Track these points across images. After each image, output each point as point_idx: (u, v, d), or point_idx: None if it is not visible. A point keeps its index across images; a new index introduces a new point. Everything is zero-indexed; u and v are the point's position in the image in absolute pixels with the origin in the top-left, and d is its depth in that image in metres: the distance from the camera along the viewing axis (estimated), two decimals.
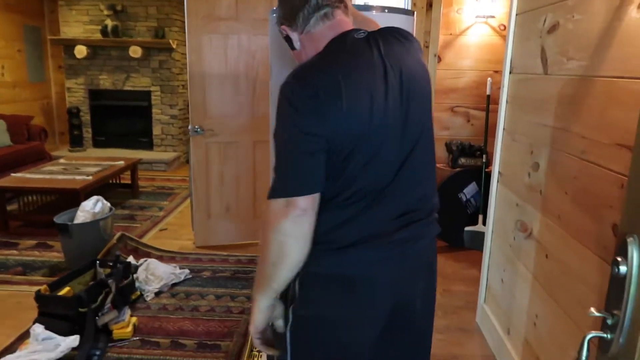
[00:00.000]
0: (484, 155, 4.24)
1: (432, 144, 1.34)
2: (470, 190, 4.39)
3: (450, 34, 4.33)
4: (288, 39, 1.34)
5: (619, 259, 0.96)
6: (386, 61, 1.22)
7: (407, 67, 1.25)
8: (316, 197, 1.19)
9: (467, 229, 4.22)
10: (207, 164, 4.13)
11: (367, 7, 1.91)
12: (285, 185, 1.17)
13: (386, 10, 1.92)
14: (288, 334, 1.27)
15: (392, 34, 1.30)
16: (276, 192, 1.18)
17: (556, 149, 1.97)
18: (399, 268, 1.26)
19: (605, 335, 1.02)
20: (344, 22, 1.30)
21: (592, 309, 1.05)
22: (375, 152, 1.21)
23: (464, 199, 4.37)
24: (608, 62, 1.59)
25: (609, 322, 1.01)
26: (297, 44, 1.32)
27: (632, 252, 0.94)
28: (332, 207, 1.21)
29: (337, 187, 1.21)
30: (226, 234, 4.29)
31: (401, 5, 3.36)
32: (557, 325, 1.92)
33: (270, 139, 1.68)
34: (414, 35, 1.90)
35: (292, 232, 1.16)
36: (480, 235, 3.73)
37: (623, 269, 0.95)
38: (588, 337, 1.02)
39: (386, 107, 1.21)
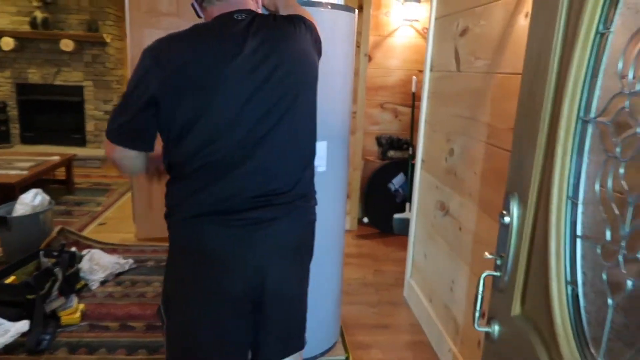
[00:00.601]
0: (410, 148, 4.58)
1: (303, 129, 1.35)
2: (398, 180, 4.72)
3: (379, 35, 4.63)
4: (194, 8, 1.42)
5: (504, 212, 1.23)
6: (250, 40, 1.27)
7: (280, 49, 1.31)
8: (140, 153, 1.32)
9: (395, 216, 4.55)
10: None
11: (313, 3, 2.08)
12: (116, 132, 1.28)
13: (329, 7, 2.11)
14: (162, 308, 1.36)
15: (280, 19, 1.38)
16: (109, 133, 1.29)
17: (467, 135, 2.27)
18: (248, 246, 1.28)
19: (496, 273, 1.29)
20: (240, 3, 1.36)
21: (486, 253, 1.31)
22: (217, 126, 1.25)
23: (393, 188, 4.70)
24: (504, 61, 1.89)
25: (498, 262, 1.27)
26: (200, 14, 1.41)
27: (513, 206, 1.21)
28: (182, 177, 1.29)
29: (181, 156, 1.27)
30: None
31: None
32: (470, 287, 2.22)
33: None
34: (354, 32, 2.11)
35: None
36: (408, 222, 4.06)
37: (507, 219, 1.22)
38: (483, 275, 1.28)
39: (237, 82, 1.25)
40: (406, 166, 4.59)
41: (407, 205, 4.53)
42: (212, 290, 1.29)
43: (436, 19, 2.84)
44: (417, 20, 4.59)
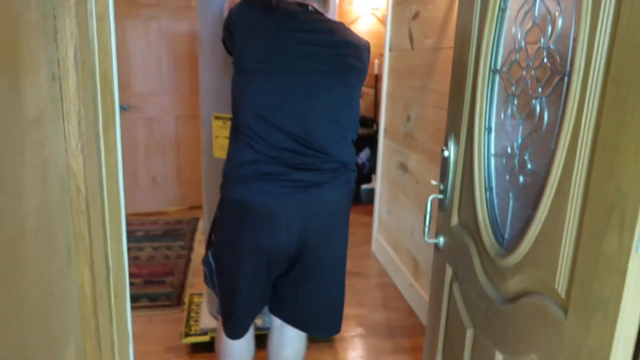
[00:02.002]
0: (374, 125, 4.95)
1: (348, 108, 1.39)
2: (364, 154, 5.10)
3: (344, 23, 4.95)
4: None
5: (444, 148, 1.60)
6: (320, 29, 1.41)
7: (318, 34, 1.41)
8: None
9: (363, 186, 4.93)
10: (134, 139, 4.42)
11: None
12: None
13: None
14: (210, 255, 1.45)
15: (353, 35, 1.52)
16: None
17: (421, 103, 2.64)
18: (294, 205, 1.34)
19: (440, 196, 1.65)
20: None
21: (432, 180, 1.68)
22: (273, 80, 1.30)
23: (360, 162, 5.07)
24: (447, 38, 2.25)
25: (441, 187, 1.64)
26: None
27: (450, 143, 1.58)
28: (239, 135, 1.34)
29: (241, 102, 1.33)
30: (153, 202, 4.62)
31: None
32: None
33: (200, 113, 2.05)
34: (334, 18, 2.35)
35: None
36: (374, 191, 4.45)
37: (446, 153, 1.59)
38: (430, 198, 1.64)
39: (297, 50, 1.32)
40: (371, 141, 4.97)
41: (373, 176, 4.92)
42: (260, 241, 1.33)
43: (393, 5, 3.19)
44: (377, 9, 4.94)
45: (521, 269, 1.18)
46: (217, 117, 1.78)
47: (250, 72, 1.31)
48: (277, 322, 1.53)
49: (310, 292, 1.47)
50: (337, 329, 1.54)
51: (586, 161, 0.95)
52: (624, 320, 0.87)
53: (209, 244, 1.42)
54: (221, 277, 1.41)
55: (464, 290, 1.48)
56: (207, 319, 2.23)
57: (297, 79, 1.30)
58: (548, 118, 1.12)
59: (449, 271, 1.60)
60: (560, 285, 1.03)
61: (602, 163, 0.91)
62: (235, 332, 1.43)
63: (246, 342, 1.51)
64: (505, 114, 1.30)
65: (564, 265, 1.03)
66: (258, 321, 1.99)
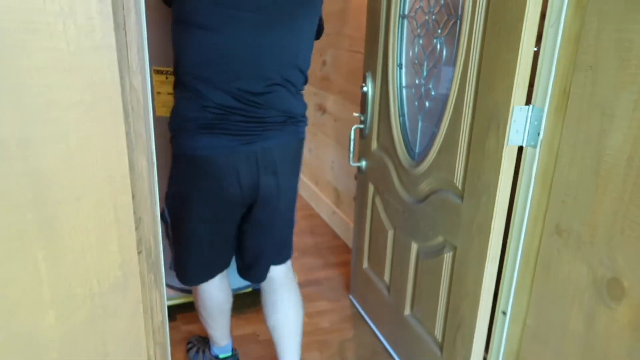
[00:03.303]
0: None
1: (287, 58, 1.30)
2: None
3: None
4: None
5: (363, 84, 1.86)
6: None
7: None
8: None
9: None
10: None
11: None
12: None
13: None
14: (166, 210, 1.43)
15: None
16: None
17: (336, 47, 2.87)
18: (243, 156, 1.31)
19: (361, 126, 1.94)
20: None
21: (354, 113, 1.96)
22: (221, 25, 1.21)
23: None
24: None
25: (362, 118, 1.92)
26: None
27: (368, 79, 1.85)
28: (185, 89, 1.28)
29: (184, 51, 1.25)
30: None
31: None
32: (342, 162, 2.92)
33: None
34: None
35: None
36: None
37: (365, 89, 1.86)
38: (353, 128, 1.92)
39: None
40: None
41: None
42: (210, 192, 1.33)
43: None
44: None
45: (429, 174, 1.50)
46: (157, 72, 1.67)
47: (191, 24, 1.22)
48: (262, 284, 1.56)
49: (264, 238, 1.47)
50: (289, 255, 1.59)
51: (474, 85, 1.27)
52: (500, 197, 1.22)
53: (165, 198, 1.42)
54: (175, 229, 1.42)
55: (385, 200, 1.80)
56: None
57: (240, 31, 1.23)
58: (446, 53, 1.42)
59: (371, 188, 1.91)
60: (458, 180, 1.37)
61: (485, 85, 1.22)
62: (190, 279, 1.46)
63: (224, 293, 1.54)
64: (412, 52, 1.59)
65: (459, 165, 1.36)
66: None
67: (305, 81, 1.40)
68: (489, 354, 1.37)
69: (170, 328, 1.96)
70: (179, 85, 1.29)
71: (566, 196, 1.05)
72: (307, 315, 2.03)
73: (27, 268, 0.44)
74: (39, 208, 0.43)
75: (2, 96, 0.39)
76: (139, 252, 0.48)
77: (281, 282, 1.54)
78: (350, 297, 2.16)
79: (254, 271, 1.51)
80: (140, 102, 0.46)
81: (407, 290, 1.67)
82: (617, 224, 0.94)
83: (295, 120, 1.36)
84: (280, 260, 1.55)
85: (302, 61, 1.35)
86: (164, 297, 0.52)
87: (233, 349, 1.71)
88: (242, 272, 1.53)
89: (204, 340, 1.79)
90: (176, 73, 1.29)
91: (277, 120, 1.32)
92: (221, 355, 1.70)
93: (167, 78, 1.66)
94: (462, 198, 1.35)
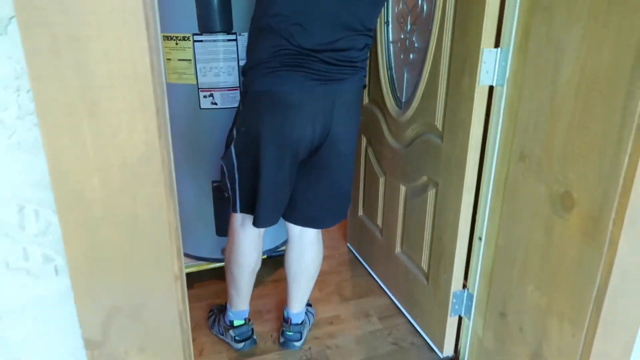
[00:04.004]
0: None
1: (367, 12, 1.33)
2: None
3: None
4: None
5: None
6: None
7: None
8: None
9: None
10: None
11: None
12: None
13: None
14: (232, 150, 1.41)
15: None
16: None
17: None
18: (321, 97, 1.34)
19: None
20: None
21: None
22: None
23: None
24: None
25: None
26: None
27: None
28: (269, 31, 1.30)
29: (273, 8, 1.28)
30: None
31: None
32: None
33: None
34: None
35: None
36: None
37: None
38: None
39: None
40: None
41: None
42: (284, 130, 1.34)
43: None
44: None
45: (414, 120, 1.64)
46: (167, 38, 1.63)
47: None
48: (294, 231, 1.58)
49: (326, 186, 1.49)
50: (345, 216, 1.61)
51: (450, 34, 1.39)
52: (474, 133, 1.35)
53: (230, 140, 1.41)
54: (243, 172, 1.42)
55: (376, 150, 1.94)
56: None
57: None
58: (426, 8, 1.54)
59: (363, 140, 2.05)
60: (438, 122, 1.50)
61: (459, 32, 1.35)
62: (263, 221, 1.46)
63: (257, 253, 1.58)
64: (398, 9, 1.71)
65: (439, 108, 1.49)
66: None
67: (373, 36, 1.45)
68: (468, 278, 1.52)
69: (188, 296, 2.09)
70: (264, 29, 1.31)
71: (528, 126, 1.19)
72: None
73: (77, 140, 0.58)
74: (84, 92, 0.57)
75: (57, 5, 0.53)
76: (159, 137, 0.62)
77: (312, 241, 1.60)
78: (348, 245, 2.32)
79: (302, 212, 1.53)
80: (156, 18, 0.60)
81: (397, 230, 1.82)
82: (568, 145, 1.08)
83: (361, 67, 1.41)
84: (333, 220, 1.58)
85: (378, 12, 1.39)
86: (173, 173, 0.67)
87: (247, 319, 1.70)
88: (288, 213, 1.54)
89: (221, 309, 1.80)
90: (262, 17, 1.31)
91: (351, 65, 1.36)
92: (235, 322, 1.69)
93: (177, 44, 1.65)
94: (442, 138, 1.49)
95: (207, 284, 2.02)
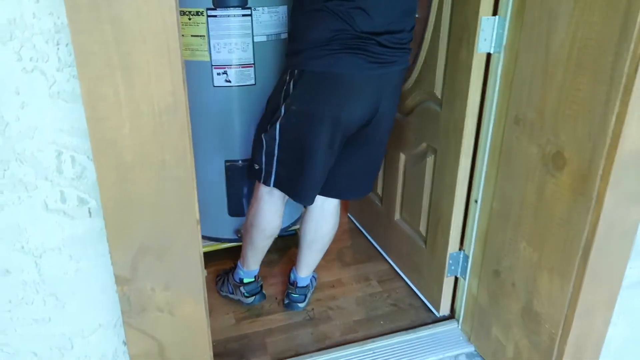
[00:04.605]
0: None
1: None
2: None
3: None
4: None
5: None
6: None
7: None
8: None
9: None
10: None
11: None
12: None
13: None
14: (277, 127, 1.42)
15: None
16: None
17: None
18: (375, 79, 1.38)
19: None
20: None
21: None
22: None
23: None
24: None
25: None
26: None
27: None
28: (325, 18, 1.32)
29: None
30: None
31: None
32: None
33: None
34: None
35: None
36: None
37: None
38: None
39: None
40: None
41: None
42: (339, 110, 1.37)
43: None
44: None
45: (414, 89, 1.70)
46: (181, 12, 1.60)
47: None
48: (317, 201, 1.59)
49: (365, 160, 1.54)
50: (370, 190, 1.68)
51: (450, 4, 1.45)
52: (471, 99, 1.42)
53: (276, 118, 1.41)
54: (284, 149, 1.44)
55: None
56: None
57: None
58: None
59: None
60: (438, 90, 1.57)
61: (458, 3, 1.40)
62: (308, 198, 1.51)
63: (279, 220, 1.63)
64: None
65: (439, 76, 1.55)
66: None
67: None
68: (464, 240, 1.60)
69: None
70: (320, 10, 1.32)
71: (522, 91, 1.26)
72: None
73: (111, 89, 0.65)
74: (119, 45, 0.63)
75: None
76: (184, 89, 0.69)
77: (331, 212, 1.66)
78: (349, 215, 2.39)
79: (337, 184, 1.58)
80: None
81: (396, 198, 1.90)
82: (560, 107, 1.15)
83: (409, 49, 1.44)
84: (363, 192, 1.65)
85: None
86: (190, 129, 0.73)
87: (257, 277, 1.78)
88: (324, 187, 1.57)
89: (228, 271, 1.86)
90: (317, 0, 1.33)
91: (402, 47, 1.40)
92: (245, 279, 1.76)
93: (190, 19, 1.64)
94: (440, 106, 1.55)
95: (219, 264, 2.02)
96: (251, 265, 1.74)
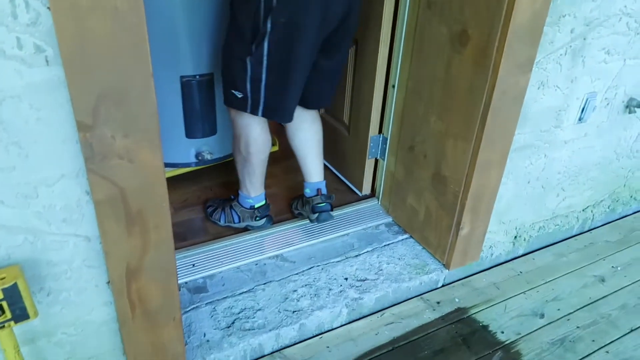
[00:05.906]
0: None
1: None
2: None
3: None
4: None
5: None
6: None
7: None
8: None
9: None
10: None
11: None
12: None
13: None
14: (265, 45, 1.34)
15: None
16: None
17: None
18: None
19: None
20: None
21: None
22: None
23: None
24: None
25: None
26: None
27: None
28: None
29: None
30: None
31: None
32: None
33: None
34: None
35: None
36: None
37: None
38: None
39: None
40: None
41: None
42: (318, 17, 1.34)
43: None
44: None
45: None
46: None
47: None
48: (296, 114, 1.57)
49: (334, 65, 1.53)
50: (329, 102, 1.69)
51: None
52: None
53: (261, 37, 1.33)
54: (272, 70, 1.37)
55: None
56: None
57: None
58: None
59: None
60: None
61: None
62: (291, 116, 1.50)
63: (269, 135, 1.60)
64: None
65: None
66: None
67: None
68: (383, 125, 1.78)
69: None
70: None
71: None
72: None
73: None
74: None
75: None
76: None
77: (312, 118, 1.68)
78: None
79: (310, 97, 1.56)
80: None
81: None
82: None
83: None
84: (330, 99, 1.65)
85: None
86: None
87: (265, 198, 1.74)
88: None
89: (224, 200, 1.82)
90: None
91: None
92: (257, 205, 1.71)
93: None
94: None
95: (183, 192, 1.98)
96: (258, 189, 1.70)
